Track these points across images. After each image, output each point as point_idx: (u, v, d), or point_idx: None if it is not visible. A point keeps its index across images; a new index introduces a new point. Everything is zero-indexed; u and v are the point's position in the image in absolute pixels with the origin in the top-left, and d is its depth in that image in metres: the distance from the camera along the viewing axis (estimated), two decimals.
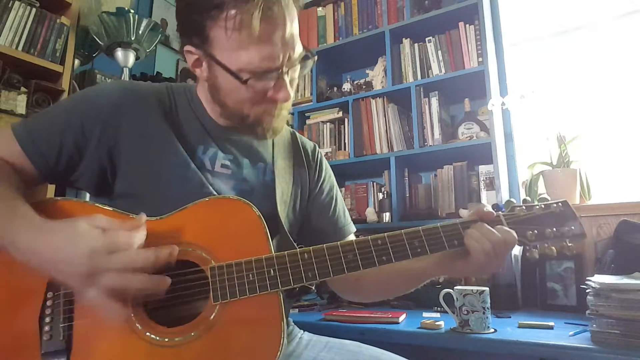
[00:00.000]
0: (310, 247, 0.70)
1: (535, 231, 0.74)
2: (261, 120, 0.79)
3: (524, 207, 0.77)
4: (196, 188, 0.77)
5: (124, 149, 0.76)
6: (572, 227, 0.75)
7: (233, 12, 0.68)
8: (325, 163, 1.02)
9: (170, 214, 0.71)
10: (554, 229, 0.75)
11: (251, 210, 0.72)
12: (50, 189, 1.65)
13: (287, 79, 0.75)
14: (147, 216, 0.69)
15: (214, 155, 0.83)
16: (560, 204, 0.77)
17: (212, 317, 0.65)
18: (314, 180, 0.97)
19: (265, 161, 0.89)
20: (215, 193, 0.79)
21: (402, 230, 0.73)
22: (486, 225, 0.72)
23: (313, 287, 0.80)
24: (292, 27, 0.73)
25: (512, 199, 0.79)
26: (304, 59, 0.79)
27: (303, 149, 0.98)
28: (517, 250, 1.61)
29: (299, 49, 0.76)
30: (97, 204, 0.73)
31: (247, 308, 0.66)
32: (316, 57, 0.83)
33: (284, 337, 0.64)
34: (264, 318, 0.66)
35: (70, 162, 0.75)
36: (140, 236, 0.62)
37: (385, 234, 0.72)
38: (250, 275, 0.66)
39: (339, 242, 0.71)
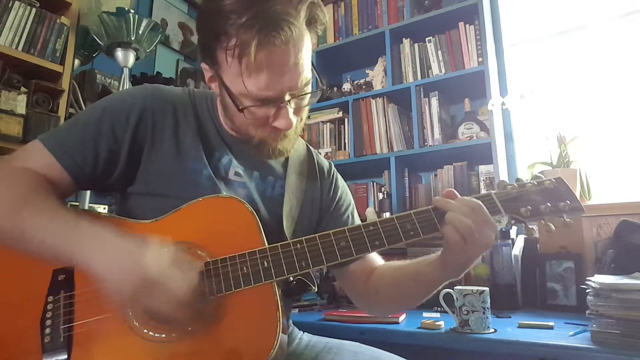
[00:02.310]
0: (303, 237, 0.71)
1: (529, 207, 0.71)
2: (266, 142, 0.79)
3: (516, 185, 0.75)
4: (208, 194, 0.77)
5: (150, 150, 0.78)
6: (568, 202, 0.72)
7: (234, 40, 0.68)
8: (340, 181, 1.00)
9: (166, 215, 0.73)
10: (549, 204, 0.71)
11: (243, 206, 0.72)
12: None
13: (289, 107, 0.73)
14: (152, 217, 0.72)
15: (228, 162, 0.83)
16: (554, 180, 0.75)
17: (208, 311, 0.65)
18: (328, 198, 0.96)
19: (275, 175, 0.89)
20: None
21: (394, 215, 0.72)
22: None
23: (314, 287, 0.80)
24: (298, 56, 0.70)
25: (504, 180, 0.77)
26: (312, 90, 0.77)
27: (318, 166, 0.97)
28: (517, 249, 1.62)
29: (305, 77, 0.73)
30: (105, 214, 0.76)
31: (242, 301, 0.66)
32: (325, 87, 0.81)
33: (279, 327, 0.64)
34: (259, 309, 0.66)
35: (106, 168, 0.77)
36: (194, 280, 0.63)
37: (377, 219, 0.72)
38: (245, 268, 0.67)
39: (331, 231, 0.71)
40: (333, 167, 1.01)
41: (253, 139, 0.79)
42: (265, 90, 0.70)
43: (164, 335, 0.64)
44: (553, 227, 0.72)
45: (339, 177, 1.01)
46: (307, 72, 0.73)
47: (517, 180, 0.76)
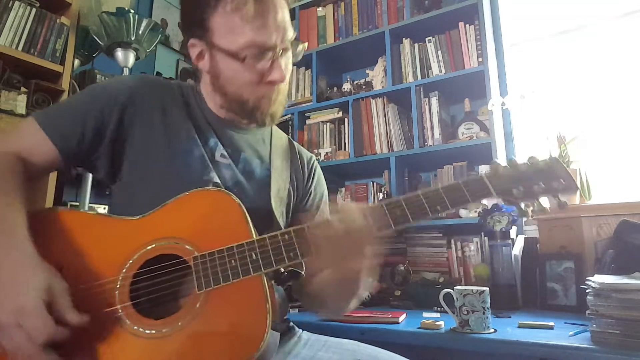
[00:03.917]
0: (291, 228, 0.71)
1: (522, 188, 0.69)
2: (260, 105, 0.84)
3: (508, 166, 0.73)
4: (199, 174, 0.80)
5: (138, 132, 0.82)
6: (562, 181, 0.70)
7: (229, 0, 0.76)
8: (318, 174, 1.03)
9: (152, 211, 0.73)
10: (542, 185, 0.69)
11: (231, 199, 0.73)
12: (50, 191, 1.65)
13: (281, 60, 0.81)
14: (143, 206, 0.73)
15: (214, 145, 0.86)
16: (547, 159, 0.73)
17: (197, 305, 0.65)
18: (305, 187, 0.99)
19: (262, 158, 0.92)
20: (217, 179, 0.82)
21: (383, 202, 0.72)
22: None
23: (304, 273, 0.79)
24: (283, 12, 0.81)
25: (496, 160, 0.74)
26: (296, 44, 0.85)
27: (299, 155, 1.01)
28: (517, 249, 1.62)
29: (290, 33, 0.82)
30: (93, 212, 0.78)
31: (231, 294, 0.66)
32: (306, 44, 0.89)
33: (269, 320, 0.64)
34: (248, 302, 0.66)
35: (91, 145, 0.81)
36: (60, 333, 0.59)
37: (366, 205, 0.72)
38: (233, 261, 0.67)
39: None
40: (313, 158, 1.05)
41: (248, 103, 0.83)
42: (263, 39, 0.78)
43: (154, 331, 0.64)
44: (548, 209, 0.70)
45: (319, 169, 1.04)
46: (291, 30, 0.83)
47: (510, 160, 0.74)
